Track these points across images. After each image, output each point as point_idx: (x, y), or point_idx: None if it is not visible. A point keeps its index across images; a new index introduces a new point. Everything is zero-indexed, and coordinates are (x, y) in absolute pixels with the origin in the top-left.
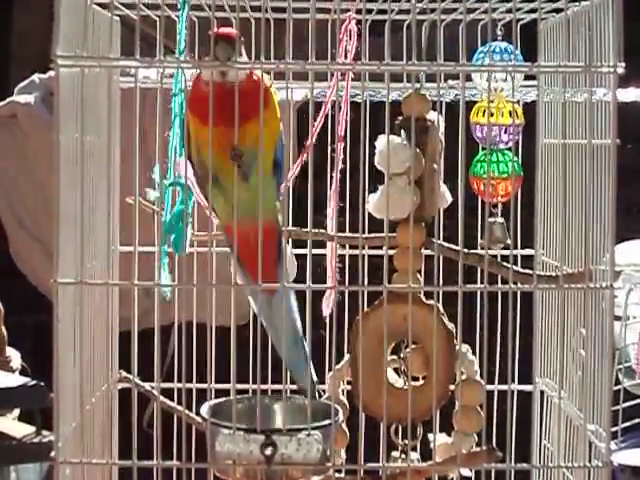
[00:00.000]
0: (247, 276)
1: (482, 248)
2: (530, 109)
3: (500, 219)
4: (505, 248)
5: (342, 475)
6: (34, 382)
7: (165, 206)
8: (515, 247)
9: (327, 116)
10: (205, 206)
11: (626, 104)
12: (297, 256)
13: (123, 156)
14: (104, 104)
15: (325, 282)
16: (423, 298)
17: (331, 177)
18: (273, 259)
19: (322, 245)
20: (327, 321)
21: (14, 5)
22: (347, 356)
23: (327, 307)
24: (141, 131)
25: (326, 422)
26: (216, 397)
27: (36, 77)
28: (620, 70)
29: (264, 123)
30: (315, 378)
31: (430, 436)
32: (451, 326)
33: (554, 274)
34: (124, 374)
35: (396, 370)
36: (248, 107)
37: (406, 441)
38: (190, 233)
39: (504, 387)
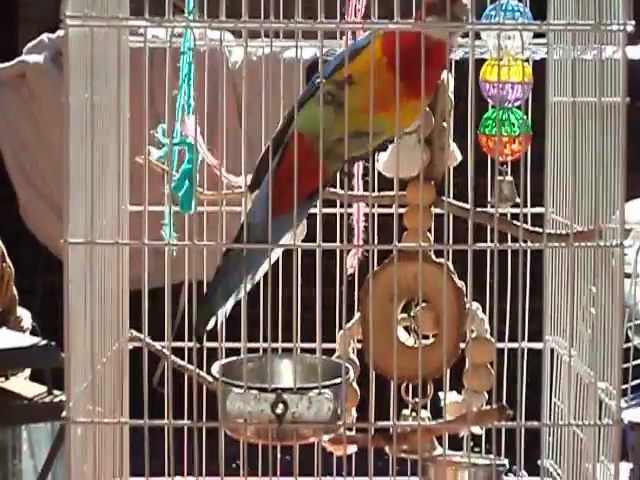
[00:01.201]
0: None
1: (491, 206)
2: (539, 67)
3: (509, 177)
4: (515, 206)
5: (353, 433)
6: (45, 342)
7: (171, 165)
8: (525, 205)
9: None
10: (214, 165)
11: (635, 61)
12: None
13: (131, 116)
14: (113, 64)
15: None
16: (433, 256)
17: None
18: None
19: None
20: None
21: None
22: (357, 315)
23: (351, 266)
24: (150, 90)
25: (337, 380)
26: (226, 356)
27: (45, 37)
28: (630, 28)
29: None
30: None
31: (440, 394)
32: (461, 284)
33: (564, 232)
34: (135, 333)
35: (406, 328)
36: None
37: (416, 399)
38: (197, 192)
39: (514, 345)
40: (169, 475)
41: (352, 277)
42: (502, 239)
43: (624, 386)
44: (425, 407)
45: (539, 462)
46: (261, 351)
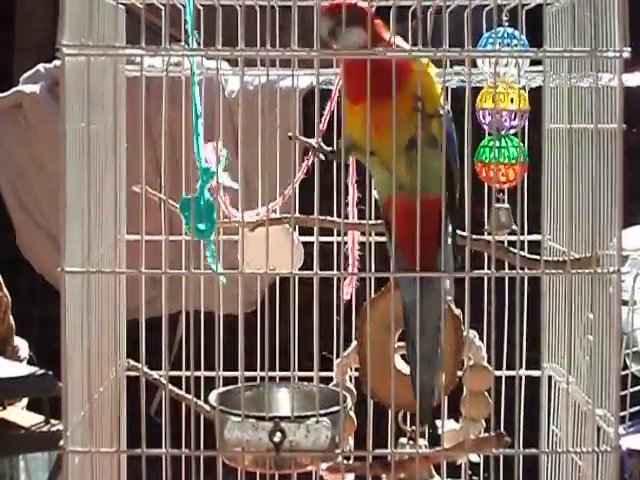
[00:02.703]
0: (401, 258)
1: (488, 234)
2: (536, 94)
3: (505, 205)
4: (512, 233)
5: (351, 461)
6: (42, 371)
7: (199, 192)
8: (522, 233)
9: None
10: (215, 192)
11: (631, 88)
12: (304, 243)
13: (128, 144)
14: (110, 93)
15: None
16: None
17: (347, 166)
18: (434, 240)
19: (331, 233)
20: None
21: None
22: (354, 343)
23: (347, 293)
24: (146, 120)
25: (334, 409)
26: (224, 385)
27: (41, 66)
28: (626, 55)
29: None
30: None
31: (438, 422)
32: (458, 312)
33: (561, 259)
34: (132, 363)
35: (403, 357)
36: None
37: (414, 427)
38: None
39: (512, 373)
40: None
41: (349, 305)
42: (499, 266)
43: (622, 413)
44: (423, 435)
45: None
46: (258, 379)
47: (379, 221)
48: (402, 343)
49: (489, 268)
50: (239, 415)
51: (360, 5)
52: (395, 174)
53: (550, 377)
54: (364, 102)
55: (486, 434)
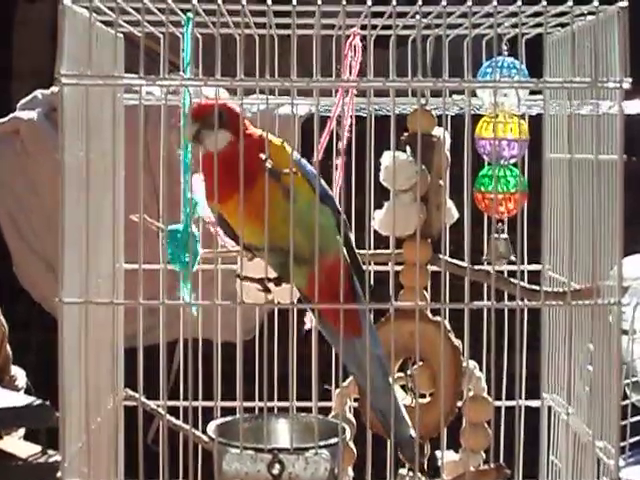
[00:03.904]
0: (326, 324)
1: (487, 263)
2: (535, 123)
3: (504, 235)
4: (510, 263)
5: None
6: (40, 401)
7: (184, 224)
8: (522, 263)
9: (332, 132)
10: (211, 222)
11: (631, 116)
12: None
13: (126, 173)
14: (108, 121)
15: None
16: (430, 315)
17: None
18: (350, 298)
19: None
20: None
21: (14, 20)
22: None
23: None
24: (145, 148)
25: (333, 440)
26: (222, 415)
27: (39, 93)
28: (626, 85)
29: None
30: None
31: (438, 453)
32: (458, 343)
33: (561, 290)
34: (130, 392)
35: (403, 387)
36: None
37: None
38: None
39: (512, 403)
40: None
41: None
42: (499, 297)
43: (622, 443)
44: (422, 467)
45: None
46: (257, 410)
47: (378, 251)
48: (401, 374)
49: (489, 299)
50: (238, 447)
51: (227, 106)
52: (292, 252)
53: (550, 408)
54: (230, 199)
55: (486, 466)
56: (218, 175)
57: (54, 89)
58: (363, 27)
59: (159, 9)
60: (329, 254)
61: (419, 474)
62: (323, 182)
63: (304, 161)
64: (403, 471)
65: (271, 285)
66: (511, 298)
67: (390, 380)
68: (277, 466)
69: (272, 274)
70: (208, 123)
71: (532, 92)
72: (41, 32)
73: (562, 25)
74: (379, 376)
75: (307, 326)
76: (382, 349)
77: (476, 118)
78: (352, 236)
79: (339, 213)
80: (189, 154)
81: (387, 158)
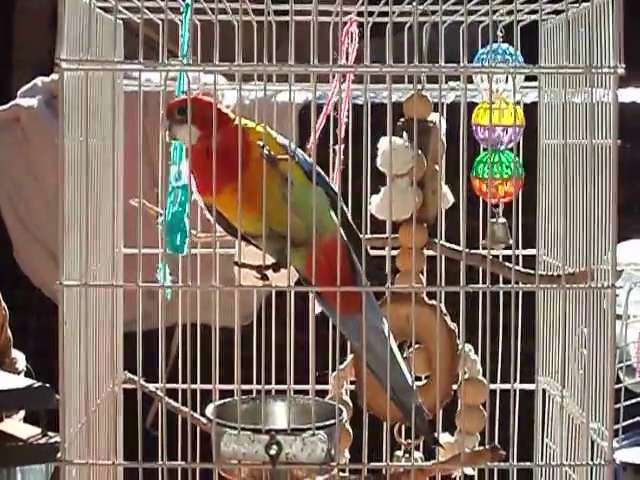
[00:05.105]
0: (327, 303)
1: (484, 248)
2: (530, 110)
3: (502, 219)
4: (507, 248)
5: (346, 474)
6: (40, 384)
7: (167, 208)
8: (517, 247)
9: (329, 118)
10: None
11: (625, 104)
12: None
13: (126, 159)
14: (108, 107)
15: None
16: (426, 298)
17: (332, 179)
18: (348, 276)
19: None
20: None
21: (14, 9)
22: (350, 356)
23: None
24: (144, 134)
25: (330, 422)
26: (220, 398)
27: (39, 80)
28: (620, 71)
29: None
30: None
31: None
32: (453, 326)
33: (556, 274)
34: (129, 375)
35: None
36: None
37: (409, 440)
38: (190, 233)
39: (507, 386)
40: None
41: None
42: (494, 280)
43: (616, 426)
44: (418, 448)
45: None
46: (255, 392)
47: (374, 235)
48: None
49: (484, 282)
50: (235, 428)
51: (196, 99)
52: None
53: (544, 391)
54: (220, 192)
55: (481, 447)
56: (202, 169)
57: (54, 76)
58: (360, 14)
59: None
60: (325, 234)
61: (415, 455)
62: (309, 159)
63: (292, 145)
64: (399, 453)
65: (269, 272)
66: (506, 282)
67: (396, 352)
68: (274, 447)
69: (270, 260)
70: (175, 119)
71: (527, 79)
72: (42, 20)
73: (557, 12)
74: (384, 348)
75: (318, 310)
76: (386, 323)
77: (472, 105)
78: (349, 214)
79: (335, 193)
80: (176, 143)
81: (384, 143)
